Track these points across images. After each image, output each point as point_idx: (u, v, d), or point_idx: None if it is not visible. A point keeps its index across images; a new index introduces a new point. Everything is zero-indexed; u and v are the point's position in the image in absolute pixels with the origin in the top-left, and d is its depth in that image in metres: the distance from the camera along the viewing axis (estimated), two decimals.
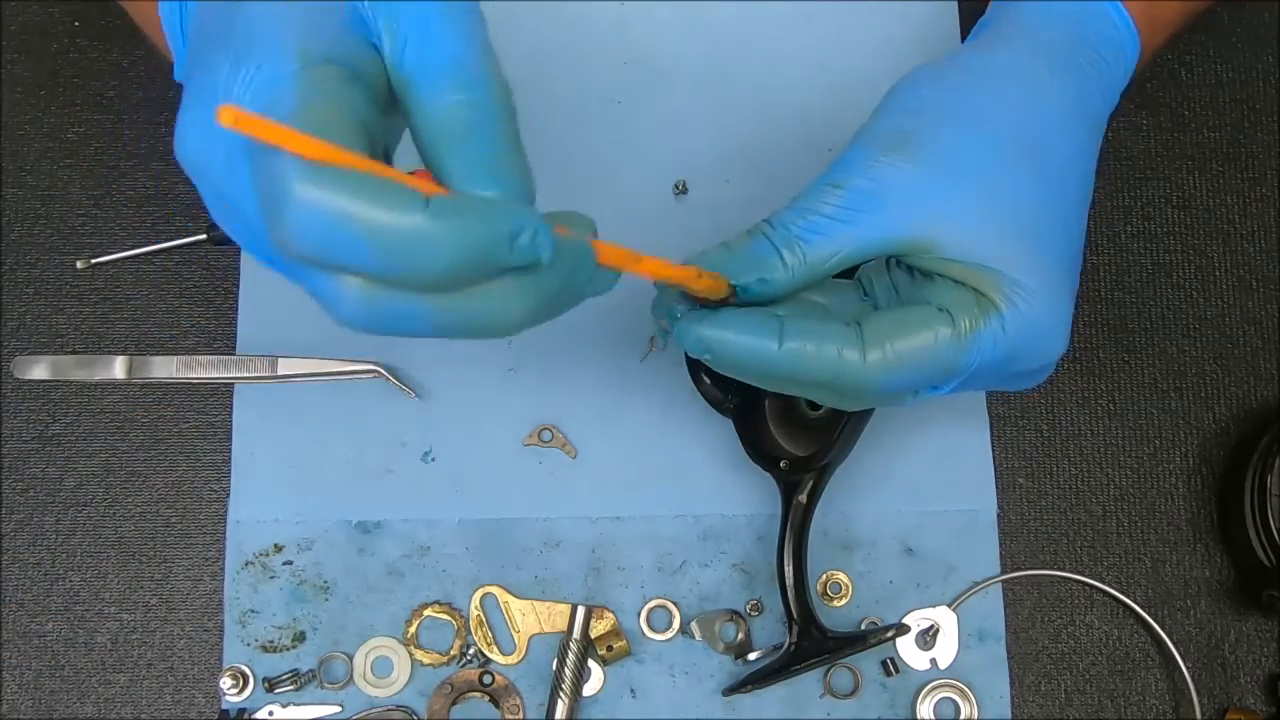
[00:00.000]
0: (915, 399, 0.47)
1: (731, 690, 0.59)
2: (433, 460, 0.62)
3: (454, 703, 0.60)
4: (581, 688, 0.60)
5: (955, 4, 0.66)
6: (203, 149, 0.39)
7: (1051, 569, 0.62)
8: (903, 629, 0.59)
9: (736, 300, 0.46)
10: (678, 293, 0.47)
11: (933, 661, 0.60)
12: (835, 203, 0.46)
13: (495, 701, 0.60)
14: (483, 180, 0.39)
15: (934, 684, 0.60)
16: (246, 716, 0.60)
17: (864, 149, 0.47)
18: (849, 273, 0.48)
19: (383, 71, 0.40)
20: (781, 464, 0.57)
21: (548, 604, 0.61)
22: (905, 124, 0.47)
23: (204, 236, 0.64)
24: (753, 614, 0.61)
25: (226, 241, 0.64)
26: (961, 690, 0.60)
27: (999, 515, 0.62)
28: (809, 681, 0.60)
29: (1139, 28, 0.51)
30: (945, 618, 0.61)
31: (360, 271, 0.36)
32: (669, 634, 0.61)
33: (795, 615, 0.56)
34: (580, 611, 0.59)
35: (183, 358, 0.63)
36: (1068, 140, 0.48)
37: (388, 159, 0.42)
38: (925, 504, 0.62)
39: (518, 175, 0.40)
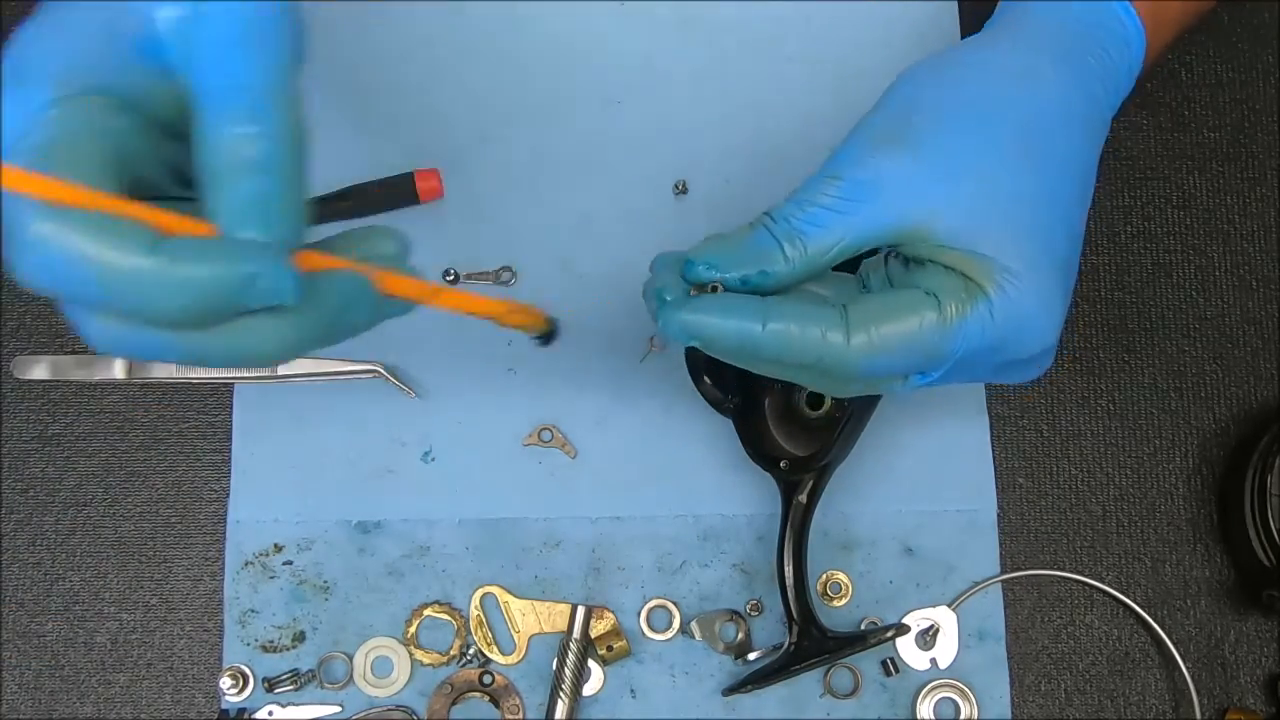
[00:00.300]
0: (905, 386, 0.47)
1: (731, 690, 0.59)
2: (432, 460, 0.62)
3: (454, 703, 0.60)
4: (581, 688, 0.60)
5: (955, 4, 0.66)
6: None
7: (1051, 569, 0.62)
8: (903, 629, 0.59)
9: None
10: (671, 276, 0.47)
11: (933, 661, 0.60)
12: (834, 194, 0.46)
13: (495, 701, 0.60)
14: (250, 219, 0.37)
15: (934, 684, 0.60)
16: (246, 716, 0.60)
17: (862, 141, 0.47)
18: (852, 266, 0.49)
19: (173, 99, 0.39)
20: (781, 464, 0.57)
21: (548, 604, 0.61)
22: (903, 116, 0.47)
23: None
24: (753, 614, 0.61)
25: None
26: (961, 690, 0.60)
27: (999, 515, 0.62)
28: (809, 681, 0.60)
29: (1145, 25, 0.51)
30: (945, 618, 0.61)
31: (98, 310, 0.36)
32: (669, 634, 0.61)
33: (795, 615, 0.56)
34: (580, 611, 0.59)
35: None
36: (1067, 134, 0.48)
37: (185, 184, 0.41)
38: (925, 504, 0.62)
39: (288, 217, 0.38)
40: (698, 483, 0.62)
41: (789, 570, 0.56)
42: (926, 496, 0.62)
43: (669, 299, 0.46)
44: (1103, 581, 0.62)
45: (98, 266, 0.35)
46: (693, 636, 0.61)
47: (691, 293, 0.46)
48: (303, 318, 0.38)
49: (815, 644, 0.56)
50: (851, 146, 0.47)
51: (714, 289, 0.46)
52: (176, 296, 0.35)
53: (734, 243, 0.46)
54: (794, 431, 0.57)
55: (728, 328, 0.45)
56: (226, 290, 0.36)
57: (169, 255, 0.35)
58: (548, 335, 0.47)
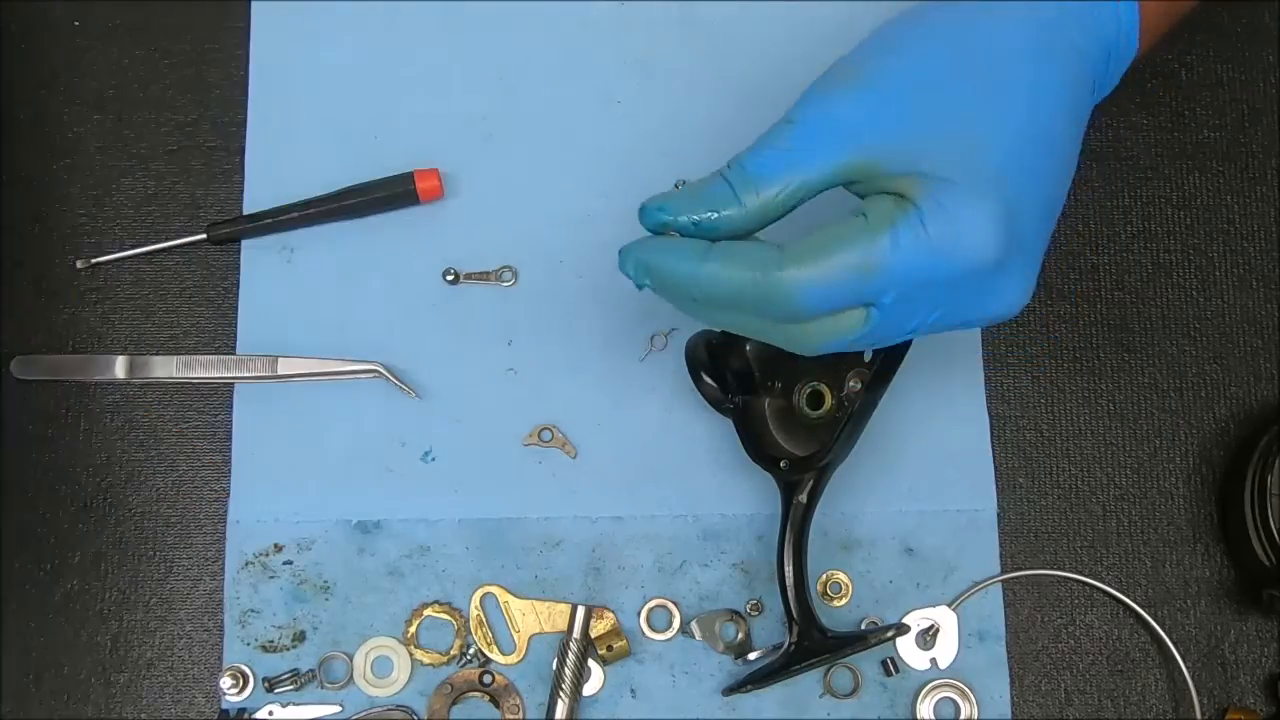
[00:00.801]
0: (866, 325, 0.47)
1: (731, 690, 0.59)
2: (433, 460, 0.62)
3: (454, 703, 0.60)
4: (581, 688, 0.60)
5: None
6: None
7: (1051, 569, 0.62)
8: (903, 629, 0.59)
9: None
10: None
11: (933, 661, 0.60)
12: (787, 137, 0.47)
13: (495, 701, 0.60)
14: None
15: (934, 684, 0.60)
16: (246, 716, 0.60)
17: (818, 84, 0.49)
18: None
19: None
20: (781, 464, 0.57)
21: (548, 604, 0.61)
22: (855, 58, 0.49)
23: (204, 236, 0.64)
24: (753, 614, 0.61)
25: (226, 241, 0.64)
26: (961, 690, 0.60)
27: (999, 515, 0.62)
28: (809, 681, 0.60)
29: None
30: (945, 618, 0.61)
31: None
32: (669, 634, 0.61)
33: (795, 615, 0.56)
34: (580, 611, 0.59)
35: (183, 357, 0.63)
36: (1032, 65, 0.48)
37: None
38: (925, 504, 0.62)
39: None
40: (698, 483, 0.62)
41: (789, 570, 0.56)
42: (926, 496, 0.62)
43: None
44: (1103, 581, 0.62)
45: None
46: (693, 636, 0.61)
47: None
48: None
49: (815, 644, 0.56)
50: (809, 91, 0.49)
51: (669, 234, 0.48)
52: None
53: (691, 188, 0.48)
54: (794, 431, 0.57)
55: (669, 265, 0.47)
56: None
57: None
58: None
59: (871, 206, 0.46)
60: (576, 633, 0.59)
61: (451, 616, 0.61)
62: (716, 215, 0.47)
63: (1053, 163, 0.49)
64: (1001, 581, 0.61)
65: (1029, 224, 0.48)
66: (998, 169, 0.47)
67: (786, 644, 0.56)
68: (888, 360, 0.55)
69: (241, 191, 0.65)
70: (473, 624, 0.61)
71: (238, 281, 0.64)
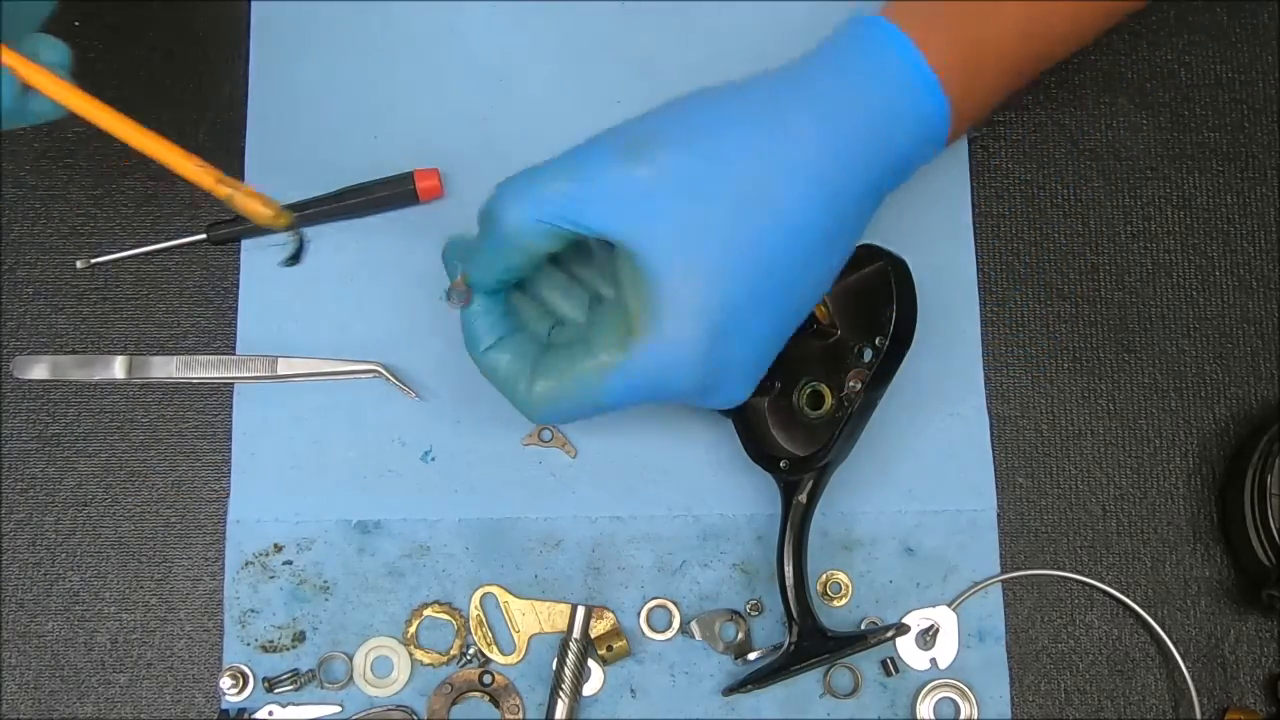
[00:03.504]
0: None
1: (731, 690, 0.59)
2: (433, 460, 0.62)
3: (454, 703, 0.60)
4: (581, 688, 0.60)
5: None
6: None
7: (1051, 569, 0.62)
8: (903, 629, 0.59)
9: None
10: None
11: (933, 661, 0.60)
12: (559, 186, 0.50)
13: (495, 701, 0.60)
14: None
15: (934, 684, 0.60)
16: (246, 716, 0.60)
17: (599, 145, 0.50)
18: None
19: None
20: (781, 464, 0.57)
21: (548, 604, 0.61)
22: (643, 131, 0.50)
23: (204, 236, 0.64)
24: (753, 614, 0.61)
25: (227, 241, 0.64)
26: (961, 690, 0.60)
27: (999, 515, 0.62)
28: (809, 681, 0.60)
29: (948, 79, 0.51)
30: (945, 618, 0.61)
31: None
32: (669, 634, 0.61)
33: (795, 615, 0.56)
34: (580, 611, 0.59)
35: (183, 358, 0.63)
36: (802, 193, 0.49)
37: None
38: (925, 504, 0.62)
39: None
40: (698, 483, 0.62)
41: (789, 570, 0.56)
42: (926, 496, 0.62)
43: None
44: (1103, 581, 0.62)
45: None
46: (693, 636, 0.61)
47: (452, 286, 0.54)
48: None
49: (815, 644, 0.56)
50: (593, 149, 0.50)
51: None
52: None
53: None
54: (794, 431, 0.57)
55: (467, 335, 0.55)
56: None
57: None
58: (295, 252, 0.51)
59: (600, 337, 0.51)
60: (576, 633, 0.59)
61: (451, 616, 0.61)
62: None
63: (795, 292, 0.51)
64: (1001, 581, 0.61)
65: (745, 350, 0.51)
66: (721, 303, 0.49)
67: (786, 644, 0.56)
68: (888, 360, 0.55)
69: None
70: (473, 624, 0.61)
71: (238, 281, 0.64)
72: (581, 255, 0.54)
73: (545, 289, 0.55)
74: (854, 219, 0.52)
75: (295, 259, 0.50)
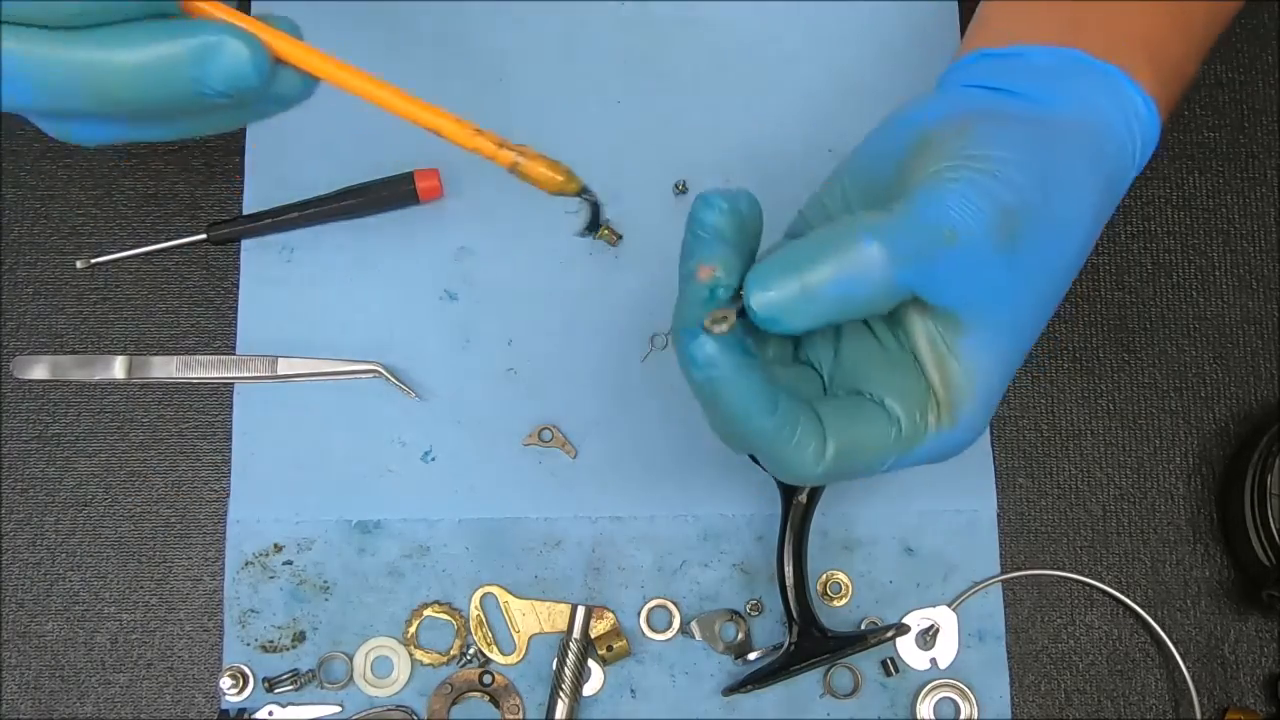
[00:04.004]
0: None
1: (731, 690, 0.59)
2: (433, 460, 0.62)
3: (454, 703, 0.60)
4: (581, 688, 0.60)
5: (955, 4, 0.66)
6: None
7: (1051, 569, 0.62)
8: (903, 629, 0.59)
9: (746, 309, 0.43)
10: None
11: (933, 661, 0.60)
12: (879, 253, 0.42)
13: (495, 701, 0.60)
14: None
15: (934, 684, 0.60)
16: (246, 716, 0.60)
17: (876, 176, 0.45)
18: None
19: None
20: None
21: (548, 604, 0.61)
22: (912, 163, 0.44)
23: (204, 236, 0.64)
24: (753, 614, 0.61)
25: (227, 241, 0.64)
26: (961, 690, 0.60)
27: (999, 515, 0.62)
28: (809, 681, 0.60)
29: (1152, 91, 0.48)
30: (945, 618, 0.61)
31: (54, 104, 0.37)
32: (669, 634, 0.61)
33: (795, 615, 0.56)
34: (580, 611, 0.59)
35: (183, 358, 0.63)
36: (1076, 204, 0.45)
37: None
38: (925, 504, 0.62)
39: None
40: (698, 483, 0.62)
41: (789, 570, 0.56)
42: (926, 496, 0.62)
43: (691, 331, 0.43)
44: (1103, 581, 0.62)
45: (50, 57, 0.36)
46: (693, 636, 0.61)
47: (708, 321, 0.42)
48: (154, 40, 0.38)
49: (815, 644, 0.56)
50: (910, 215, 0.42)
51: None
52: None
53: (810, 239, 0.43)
54: None
55: (736, 394, 0.43)
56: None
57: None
58: (592, 218, 0.43)
59: (902, 403, 0.45)
60: (576, 633, 0.59)
61: (451, 616, 0.61)
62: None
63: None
64: (1001, 581, 0.61)
65: (1005, 383, 0.47)
66: (1016, 364, 0.45)
67: (786, 644, 0.56)
68: None
69: (241, 191, 0.65)
70: (473, 624, 0.61)
71: (238, 281, 0.64)
72: None
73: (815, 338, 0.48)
74: (1105, 211, 0.47)
75: (593, 226, 0.43)
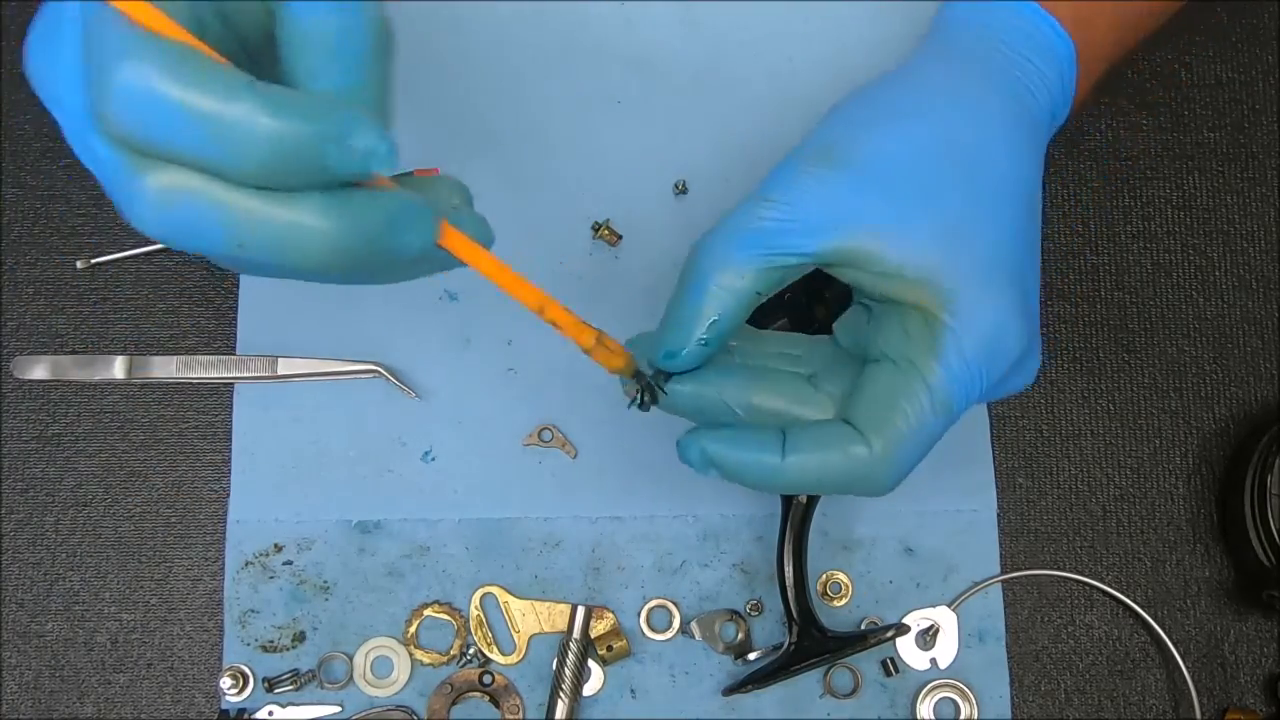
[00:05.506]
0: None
1: (731, 690, 0.59)
2: (433, 460, 0.62)
3: (454, 703, 0.60)
4: (581, 688, 0.60)
5: None
6: (38, 44, 0.39)
7: (1051, 569, 0.62)
8: (903, 629, 0.59)
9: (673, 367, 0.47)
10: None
11: (933, 661, 0.60)
12: (769, 216, 0.46)
13: (495, 701, 0.60)
14: (335, 79, 0.38)
15: (934, 684, 0.60)
16: (246, 716, 0.60)
17: (793, 164, 0.47)
18: (825, 325, 0.50)
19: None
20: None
21: (548, 604, 0.61)
22: (828, 136, 0.47)
23: None
24: (753, 614, 0.61)
25: None
26: (961, 690, 0.60)
27: (999, 515, 0.62)
28: (809, 681, 0.60)
29: (1071, 34, 0.50)
30: (945, 618, 0.61)
31: (174, 151, 0.35)
32: (669, 634, 0.61)
33: (795, 615, 0.56)
34: (580, 611, 0.59)
35: (183, 358, 0.63)
36: (1005, 144, 0.47)
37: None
38: (925, 504, 0.62)
39: (373, 86, 0.39)
40: (698, 483, 0.62)
41: (789, 570, 0.56)
42: (927, 496, 0.62)
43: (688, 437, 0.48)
44: (1103, 581, 0.62)
45: (193, 94, 0.34)
46: (693, 636, 0.61)
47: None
48: (358, 208, 0.37)
49: (815, 644, 0.56)
50: (783, 170, 0.47)
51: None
52: (266, 143, 0.34)
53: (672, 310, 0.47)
54: None
55: (743, 460, 0.46)
56: (321, 140, 0.35)
57: (267, 98, 0.34)
58: (648, 393, 0.47)
59: (901, 339, 0.45)
60: (576, 633, 0.59)
61: (451, 616, 0.61)
62: (717, 318, 0.46)
63: (1034, 226, 0.48)
64: (1001, 581, 0.61)
65: (1034, 295, 0.48)
66: (1006, 257, 0.46)
67: (786, 644, 0.56)
68: None
69: None
70: (473, 624, 0.61)
71: (238, 281, 0.64)
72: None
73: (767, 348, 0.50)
74: (1036, 161, 0.49)
75: (645, 405, 0.48)
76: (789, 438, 0.45)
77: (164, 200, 0.36)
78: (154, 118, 0.34)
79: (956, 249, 0.45)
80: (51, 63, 0.38)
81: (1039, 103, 0.50)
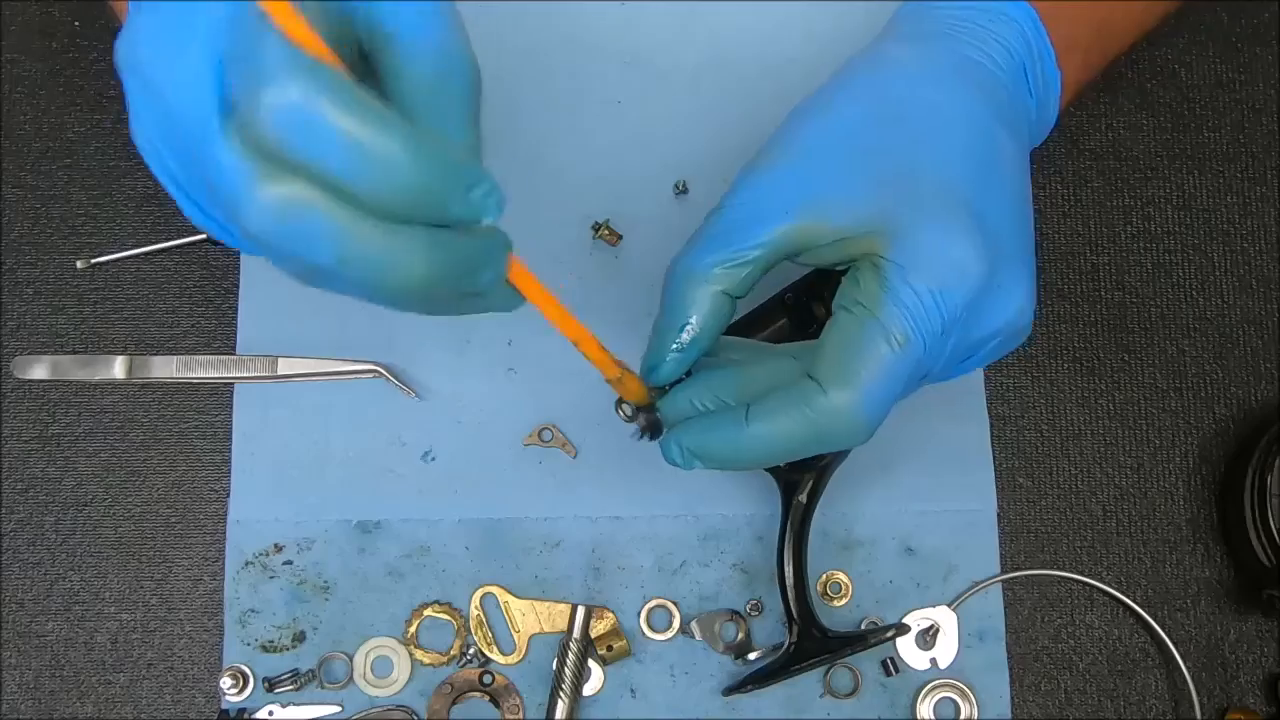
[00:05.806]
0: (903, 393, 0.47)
1: (731, 690, 0.59)
2: (433, 460, 0.62)
3: (454, 703, 0.60)
4: (581, 688, 0.60)
5: None
6: (152, 37, 0.39)
7: (1051, 569, 0.62)
8: (903, 629, 0.59)
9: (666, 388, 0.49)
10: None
11: (933, 661, 0.60)
12: (722, 222, 0.48)
13: (495, 701, 0.60)
14: (437, 120, 0.40)
15: (934, 684, 0.60)
16: (246, 716, 0.60)
17: (744, 170, 0.49)
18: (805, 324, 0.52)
19: (352, 31, 0.40)
20: (781, 464, 0.57)
21: (548, 604, 0.61)
22: (777, 133, 0.49)
23: (204, 236, 0.64)
24: (753, 614, 0.61)
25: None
26: (961, 690, 0.60)
27: (999, 515, 0.62)
28: (809, 681, 0.60)
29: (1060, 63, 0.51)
30: (945, 618, 0.61)
31: (312, 168, 0.36)
32: (669, 634, 0.61)
33: (795, 615, 0.56)
34: (580, 611, 0.59)
35: (183, 358, 0.63)
36: (941, 86, 0.48)
37: None
38: (925, 504, 0.62)
39: (473, 128, 0.41)
40: (698, 483, 0.62)
41: (789, 570, 0.56)
42: (926, 496, 0.62)
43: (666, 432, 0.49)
44: (1103, 581, 0.62)
45: (351, 126, 0.35)
46: (693, 636, 0.61)
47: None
48: (458, 246, 0.38)
49: (815, 644, 0.56)
50: (740, 175, 0.49)
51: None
52: (405, 178, 0.36)
53: (660, 330, 0.49)
54: None
55: (713, 443, 0.47)
56: (452, 182, 0.37)
57: (414, 138, 0.36)
58: (652, 426, 0.49)
59: (853, 287, 0.46)
60: (576, 633, 0.59)
61: (451, 616, 0.61)
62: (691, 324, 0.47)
63: (993, 154, 0.48)
64: (1001, 581, 0.61)
65: (1003, 229, 0.47)
66: (949, 187, 0.46)
67: (786, 644, 0.56)
68: None
69: None
70: (473, 624, 0.61)
71: (238, 281, 0.64)
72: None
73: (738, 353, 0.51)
74: (1016, 151, 0.49)
75: (653, 433, 0.50)
76: (752, 407, 0.46)
77: (283, 208, 0.37)
78: (306, 136, 0.35)
79: (897, 195, 0.46)
80: (171, 59, 0.38)
81: (987, 54, 0.50)
